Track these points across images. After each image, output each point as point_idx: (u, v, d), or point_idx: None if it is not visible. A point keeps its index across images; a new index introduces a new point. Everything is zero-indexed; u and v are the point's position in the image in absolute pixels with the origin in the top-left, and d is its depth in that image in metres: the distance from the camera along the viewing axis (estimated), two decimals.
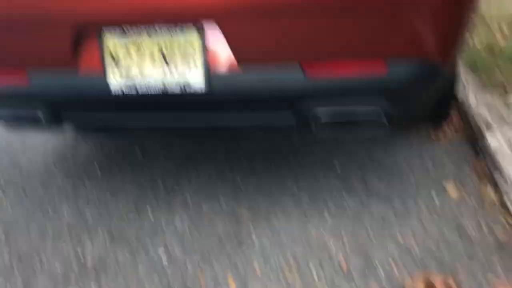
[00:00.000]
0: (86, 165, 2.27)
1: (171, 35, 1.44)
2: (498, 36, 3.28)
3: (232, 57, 1.43)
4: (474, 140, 2.16)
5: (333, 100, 1.48)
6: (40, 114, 1.72)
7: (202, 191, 1.99)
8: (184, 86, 1.49)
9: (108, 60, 1.51)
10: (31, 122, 1.80)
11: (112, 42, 1.49)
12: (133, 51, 1.49)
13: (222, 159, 2.23)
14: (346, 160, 2.13)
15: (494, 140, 1.97)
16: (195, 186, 2.03)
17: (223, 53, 1.44)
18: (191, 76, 1.47)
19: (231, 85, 1.47)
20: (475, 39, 3.23)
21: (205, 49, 1.44)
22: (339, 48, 1.38)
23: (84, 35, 1.50)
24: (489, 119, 2.14)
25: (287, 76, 1.44)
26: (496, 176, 1.83)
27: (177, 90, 1.50)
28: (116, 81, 1.53)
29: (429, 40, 1.36)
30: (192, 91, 1.49)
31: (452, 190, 1.87)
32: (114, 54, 1.50)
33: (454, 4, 1.34)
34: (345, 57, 1.39)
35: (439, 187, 1.89)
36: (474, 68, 2.76)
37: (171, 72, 1.49)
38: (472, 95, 2.43)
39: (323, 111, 1.50)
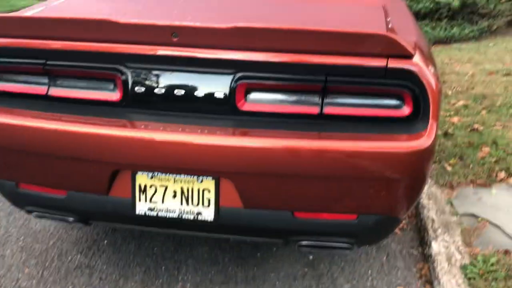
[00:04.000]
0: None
1: (193, 182, 1.84)
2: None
3: (239, 200, 1.83)
4: (423, 241, 2.63)
5: (315, 236, 1.92)
6: (71, 218, 2.08)
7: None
8: (197, 216, 1.88)
9: (136, 191, 1.89)
10: (61, 221, 2.15)
11: (143, 179, 1.87)
12: (159, 187, 1.87)
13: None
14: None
15: (436, 247, 2.44)
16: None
17: (232, 196, 1.84)
18: (204, 210, 1.87)
19: (236, 220, 1.88)
20: None
21: (218, 193, 1.84)
22: (324, 205, 1.82)
23: (120, 173, 1.88)
24: (436, 223, 2.62)
25: (280, 218, 1.86)
26: (435, 284, 2.29)
27: (191, 218, 1.89)
28: (141, 205, 1.90)
29: (393, 205, 1.83)
30: (203, 220, 1.88)
31: None
32: (142, 188, 1.88)
33: (414, 183, 1.80)
34: (327, 212, 1.84)
35: None
36: None
37: (187, 205, 1.88)
38: (424, 193, 2.91)
39: (306, 243, 1.93)
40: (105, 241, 2.63)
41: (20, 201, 2.13)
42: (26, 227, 2.73)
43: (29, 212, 2.16)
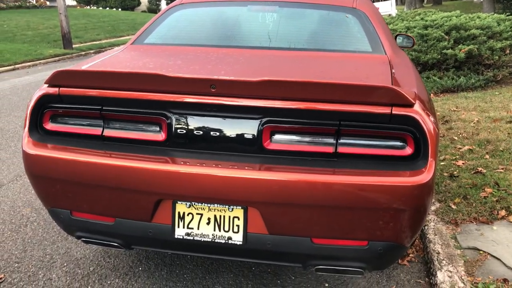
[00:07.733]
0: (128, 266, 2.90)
1: (224, 210, 2.14)
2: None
3: (264, 227, 2.12)
4: (429, 271, 2.86)
5: (330, 261, 2.18)
6: (117, 243, 2.38)
7: None
8: (228, 240, 2.17)
9: (176, 218, 2.19)
10: (106, 246, 2.45)
11: (182, 208, 2.17)
12: (195, 215, 2.18)
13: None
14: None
15: (441, 277, 2.67)
16: None
17: (258, 223, 2.13)
18: (234, 235, 2.16)
19: (262, 244, 2.16)
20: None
21: (246, 220, 2.13)
22: (339, 232, 2.10)
23: (162, 202, 2.19)
24: (441, 255, 2.86)
25: (300, 243, 2.13)
26: None
27: (222, 242, 2.18)
28: (179, 230, 2.20)
29: (398, 233, 2.10)
30: (233, 243, 2.17)
31: None
32: (181, 215, 2.19)
33: (416, 213, 2.07)
34: (342, 238, 2.12)
35: None
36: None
37: (219, 231, 2.17)
38: (431, 229, 3.16)
39: (322, 267, 2.20)
40: (140, 268, 2.90)
41: (72, 227, 2.43)
42: (68, 255, 3.03)
43: (79, 237, 2.46)
